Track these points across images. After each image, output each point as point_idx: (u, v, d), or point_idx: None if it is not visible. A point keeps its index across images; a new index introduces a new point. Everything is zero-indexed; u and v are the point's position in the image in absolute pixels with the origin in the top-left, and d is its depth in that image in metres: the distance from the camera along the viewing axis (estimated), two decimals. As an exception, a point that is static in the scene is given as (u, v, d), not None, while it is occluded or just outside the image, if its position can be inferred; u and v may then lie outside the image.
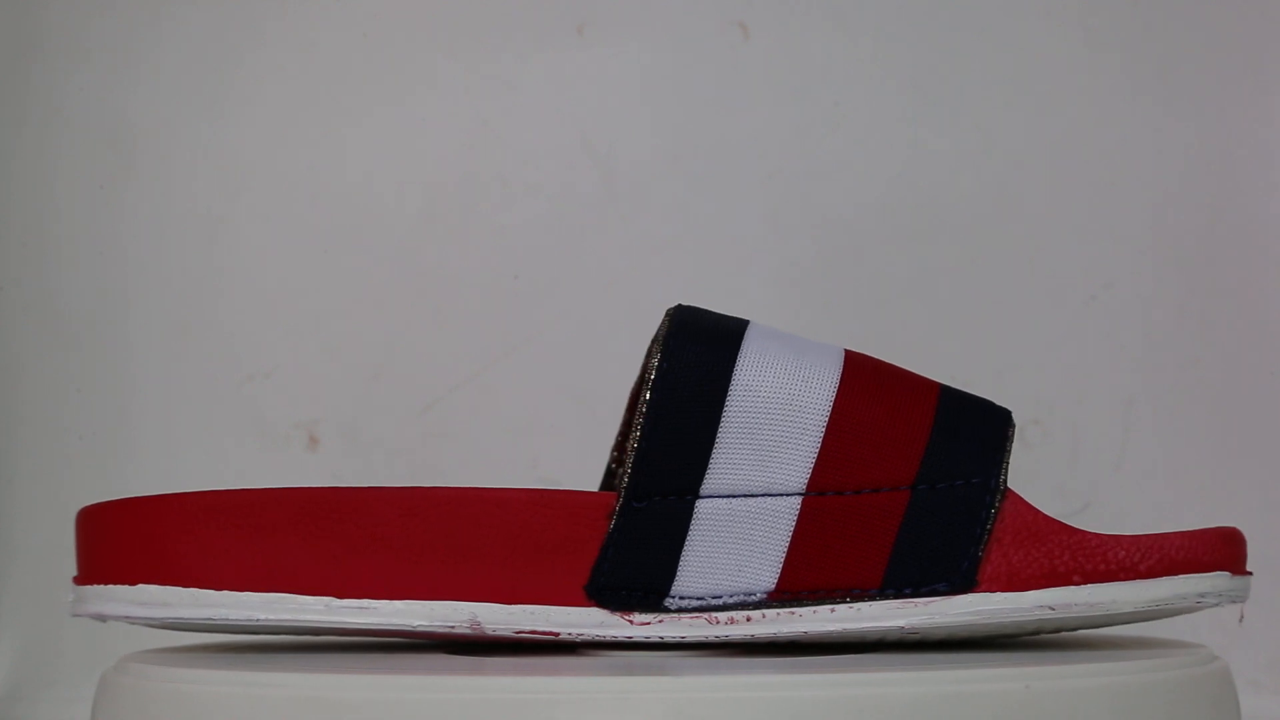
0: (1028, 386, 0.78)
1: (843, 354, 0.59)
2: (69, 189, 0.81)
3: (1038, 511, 0.56)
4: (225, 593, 0.58)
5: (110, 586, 0.60)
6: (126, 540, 0.60)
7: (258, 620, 0.58)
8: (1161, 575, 0.55)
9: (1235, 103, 0.78)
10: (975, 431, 0.57)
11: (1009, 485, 0.61)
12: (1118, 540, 0.55)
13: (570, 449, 0.79)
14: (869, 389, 0.57)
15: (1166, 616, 0.58)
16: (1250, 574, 0.56)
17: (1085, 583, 0.55)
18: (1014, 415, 0.58)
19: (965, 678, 0.51)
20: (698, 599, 0.57)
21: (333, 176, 0.80)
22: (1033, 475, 0.78)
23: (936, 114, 0.79)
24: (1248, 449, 0.78)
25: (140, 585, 0.59)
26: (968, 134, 0.79)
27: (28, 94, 0.81)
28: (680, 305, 0.60)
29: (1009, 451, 0.57)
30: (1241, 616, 0.60)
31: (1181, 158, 0.78)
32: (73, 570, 0.82)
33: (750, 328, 0.59)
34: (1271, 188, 0.78)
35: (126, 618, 0.59)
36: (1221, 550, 0.56)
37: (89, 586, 0.60)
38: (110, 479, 0.80)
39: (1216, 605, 0.55)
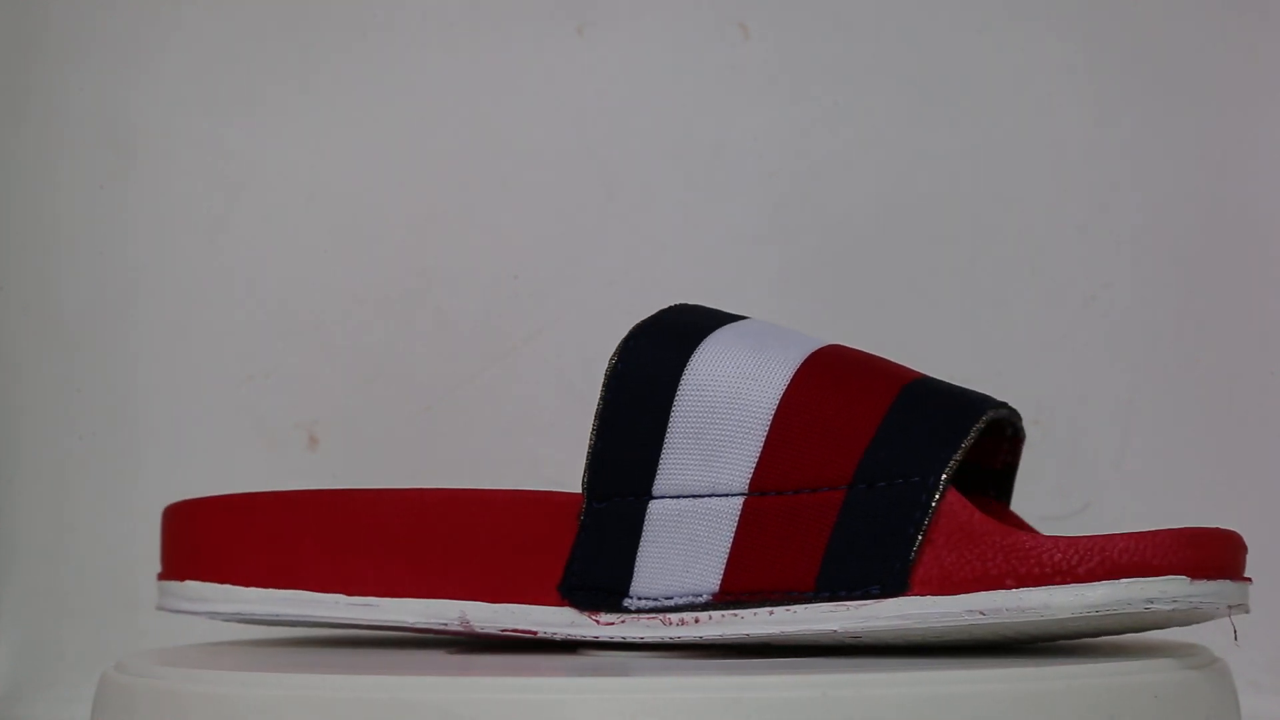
0: (1028, 386, 0.78)
1: (811, 350, 0.57)
2: (69, 188, 0.81)
3: (974, 511, 0.54)
4: (253, 589, 0.62)
5: (168, 582, 0.64)
6: (180, 539, 0.64)
7: (279, 615, 0.61)
8: (1102, 579, 0.52)
9: (1235, 103, 0.78)
10: (928, 428, 0.55)
11: (994, 486, 0.60)
12: (1055, 542, 0.53)
13: (570, 449, 0.79)
14: (820, 386, 0.56)
15: (1135, 628, 0.55)
16: (1247, 580, 0.54)
17: (1018, 586, 0.53)
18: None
19: (954, 679, 0.50)
20: (652, 600, 0.57)
21: (333, 176, 0.80)
22: (1033, 475, 0.78)
23: (936, 114, 0.79)
24: (1248, 449, 0.78)
25: (187, 581, 0.63)
26: (968, 134, 0.79)
27: (28, 93, 0.81)
28: (679, 305, 0.60)
29: (961, 449, 0.54)
30: (1235, 634, 0.57)
31: (1180, 158, 0.78)
32: (72, 570, 0.83)
33: (724, 326, 0.59)
34: (1271, 188, 0.78)
35: (178, 611, 0.63)
36: (1177, 552, 0.52)
37: (161, 582, 0.64)
38: (110, 479, 0.80)
39: (1171, 611, 0.52)
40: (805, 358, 0.57)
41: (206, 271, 0.80)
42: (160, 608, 0.64)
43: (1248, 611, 0.55)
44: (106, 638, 0.79)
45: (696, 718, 0.49)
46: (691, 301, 0.61)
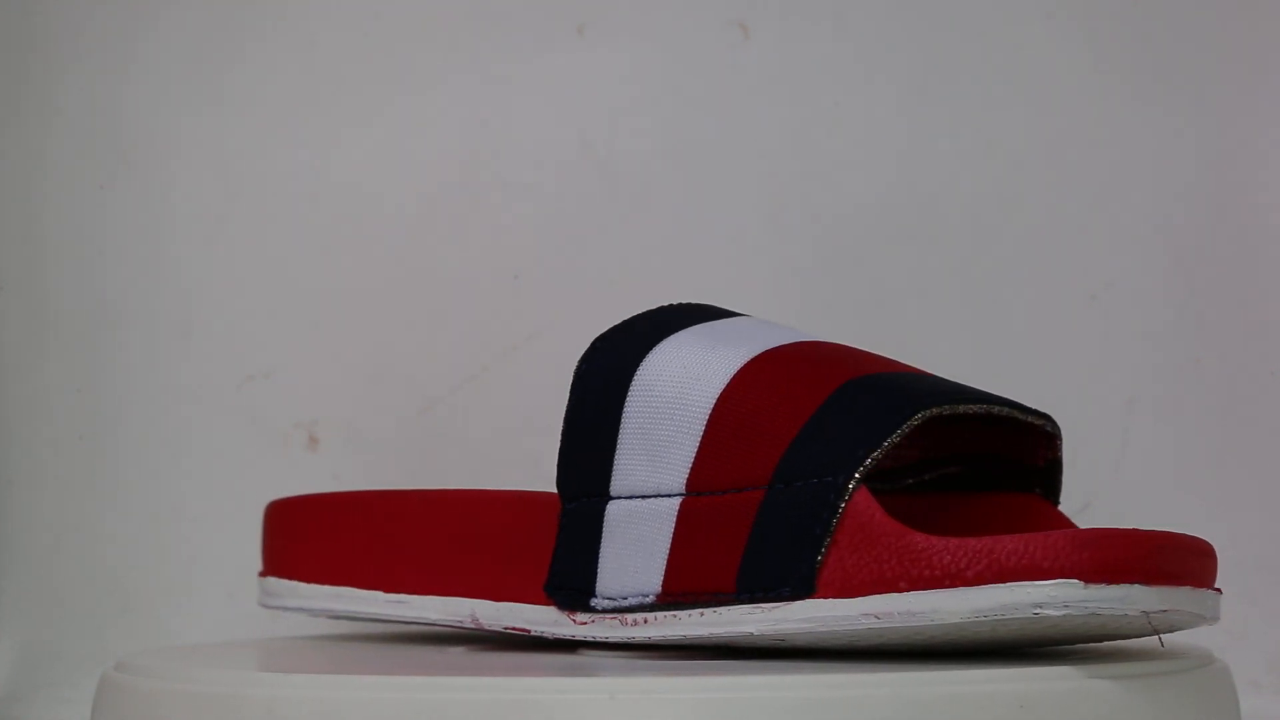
0: (1028, 386, 0.78)
1: (769, 347, 0.57)
2: (68, 188, 0.81)
3: (877, 512, 0.52)
4: (312, 585, 0.64)
5: (260, 579, 0.67)
6: (268, 537, 0.67)
7: (331, 610, 0.64)
8: (990, 582, 0.50)
9: (1235, 103, 0.78)
10: (852, 426, 0.54)
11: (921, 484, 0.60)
12: (946, 544, 0.51)
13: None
14: (757, 384, 0.56)
15: (1057, 639, 0.53)
16: (1202, 588, 0.51)
17: (910, 589, 0.51)
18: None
19: (956, 679, 0.50)
20: (612, 600, 0.57)
21: (333, 176, 0.80)
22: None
23: (936, 114, 0.79)
24: (1248, 449, 0.78)
25: (268, 578, 0.67)
26: (968, 134, 0.79)
27: (27, 93, 0.81)
28: (668, 305, 0.61)
29: (881, 448, 0.53)
30: (1161, 642, 0.55)
31: (1181, 158, 0.78)
32: (72, 570, 0.83)
33: (691, 327, 0.59)
34: (1272, 188, 0.78)
35: (265, 606, 0.67)
36: (1069, 555, 0.50)
37: (257, 579, 0.68)
38: (110, 479, 0.80)
39: (1063, 617, 0.50)
40: (754, 355, 0.57)
41: (206, 271, 0.80)
42: (259, 603, 0.68)
43: (1210, 621, 0.53)
44: (106, 638, 0.79)
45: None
46: (692, 301, 0.62)
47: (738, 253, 0.79)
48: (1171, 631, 0.54)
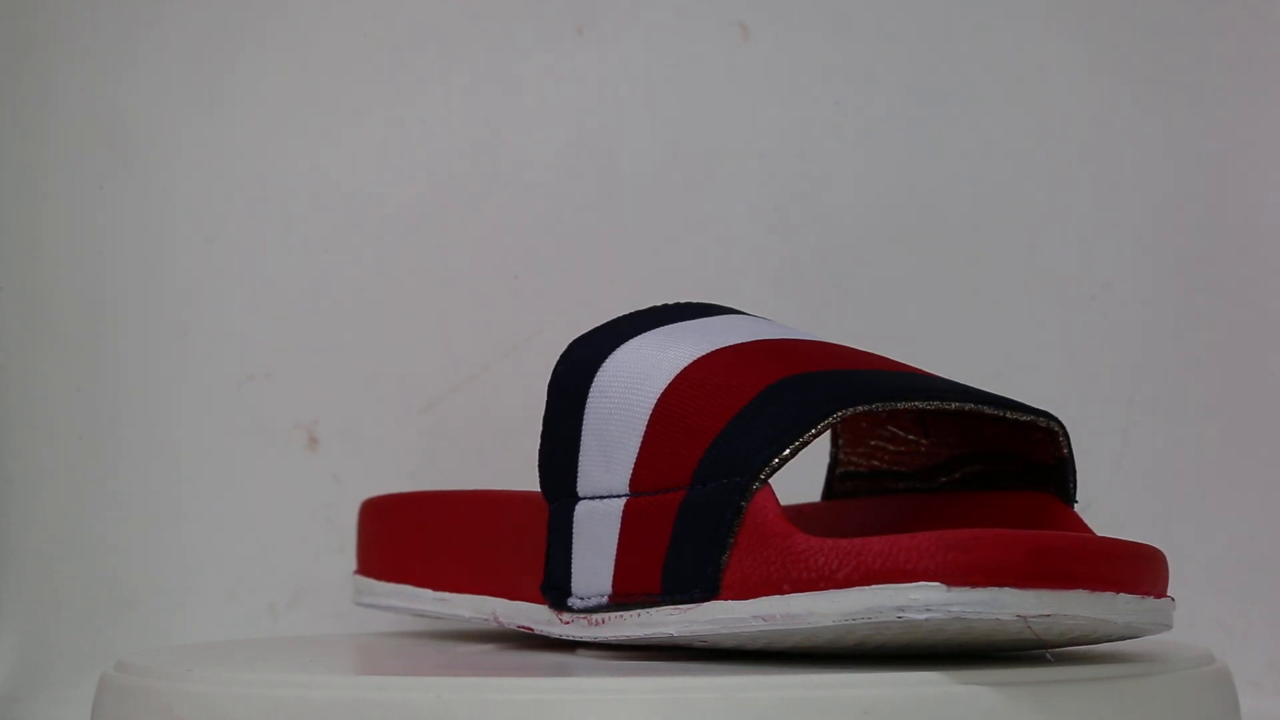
0: (1028, 386, 0.78)
1: (719, 345, 0.57)
2: (68, 189, 0.81)
3: (771, 514, 0.52)
4: (380, 582, 0.66)
5: (352, 576, 0.70)
6: (358, 536, 0.69)
7: (393, 606, 0.66)
8: (857, 584, 0.49)
9: (1235, 103, 0.78)
10: (769, 425, 0.53)
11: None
12: (822, 545, 0.50)
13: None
14: (694, 384, 0.55)
15: (948, 644, 0.52)
16: (1070, 589, 0.49)
17: (792, 591, 0.51)
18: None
19: (801, 683, 0.50)
20: (582, 599, 0.57)
21: (333, 176, 0.80)
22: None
23: (936, 114, 0.79)
24: (1248, 449, 0.78)
25: (356, 575, 0.69)
26: (968, 134, 0.79)
27: (26, 93, 0.81)
28: (662, 305, 0.61)
29: (790, 447, 0.52)
30: (1049, 654, 0.53)
31: (1181, 158, 0.78)
32: (72, 570, 0.83)
33: (661, 327, 0.59)
34: (1271, 188, 0.78)
35: (355, 603, 0.69)
36: (935, 556, 0.49)
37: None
38: (110, 479, 0.80)
39: (928, 619, 0.49)
40: (703, 354, 0.56)
41: (206, 271, 0.80)
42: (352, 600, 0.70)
43: (1138, 630, 0.51)
44: (106, 638, 0.79)
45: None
46: (691, 301, 0.62)
47: (738, 253, 0.79)
48: (1079, 644, 0.52)
